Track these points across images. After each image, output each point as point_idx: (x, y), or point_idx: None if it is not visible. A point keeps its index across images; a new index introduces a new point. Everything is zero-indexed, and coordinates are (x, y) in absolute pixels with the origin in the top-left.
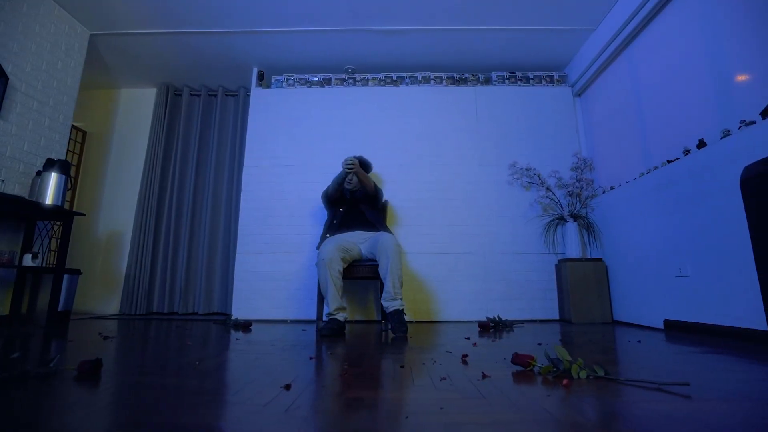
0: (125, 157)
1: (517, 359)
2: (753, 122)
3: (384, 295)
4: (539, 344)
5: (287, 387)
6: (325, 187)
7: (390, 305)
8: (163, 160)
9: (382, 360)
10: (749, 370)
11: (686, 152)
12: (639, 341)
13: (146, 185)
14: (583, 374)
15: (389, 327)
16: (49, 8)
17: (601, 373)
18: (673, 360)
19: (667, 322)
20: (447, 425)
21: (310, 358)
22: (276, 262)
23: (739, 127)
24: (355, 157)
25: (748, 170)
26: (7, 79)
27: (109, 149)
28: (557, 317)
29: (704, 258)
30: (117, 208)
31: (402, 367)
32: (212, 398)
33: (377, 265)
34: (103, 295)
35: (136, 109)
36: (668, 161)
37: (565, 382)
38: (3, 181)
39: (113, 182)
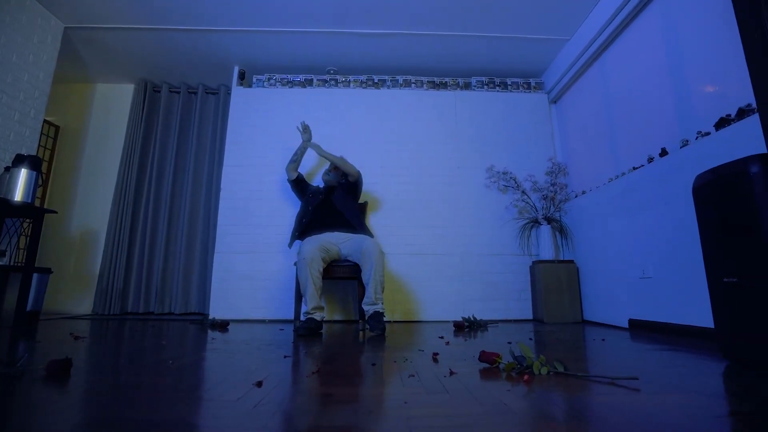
0: (100, 154)
1: (483, 357)
2: (708, 133)
3: (365, 299)
4: (509, 343)
5: (259, 384)
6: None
7: (370, 309)
8: (140, 158)
9: (355, 358)
10: (698, 366)
11: (650, 160)
12: (603, 340)
13: (122, 182)
14: (544, 370)
15: (367, 326)
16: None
17: (560, 369)
18: (631, 357)
19: (631, 322)
20: (409, 418)
21: (285, 357)
22: (255, 261)
23: (696, 138)
24: (327, 174)
25: (699, 178)
26: None
27: (83, 145)
28: (531, 317)
29: (665, 260)
30: (91, 206)
31: (374, 365)
32: (186, 395)
33: (356, 266)
34: (75, 294)
35: (112, 104)
36: (634, 168)
37: (525, 377)
38: None
39: (87, 179)
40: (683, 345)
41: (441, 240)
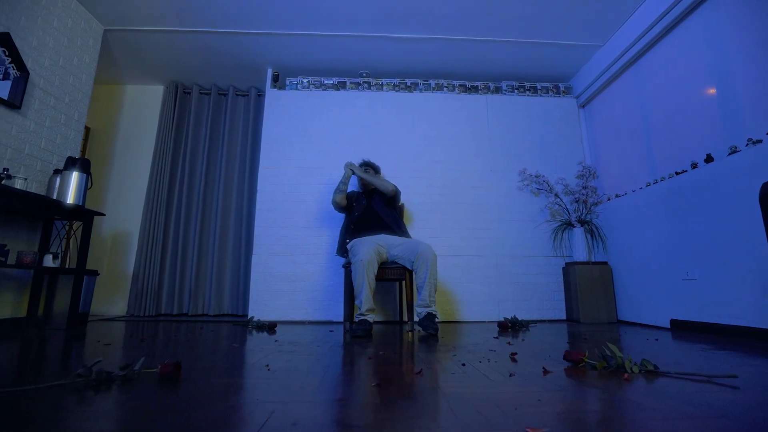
0: (131, 155)
1: (569, 356)
2: (760, 141)
3: (419, 301)
4: (569, 342)
5: (377, 385)
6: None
7: (424, 310)
8: (171, 159)
9: (441, 359)
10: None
11: (694, 165)
12: (657, 339)
13: (154, 184)
14: (635, 369)
15: (420, 326)
16: (66, 2)
17: (650, 367)
18: (699, 356)
19: (673, 322)
20: (560, 414)
21: (369, 358)
22: (292, 263)
23: (747, 145)
24: (360, 164)
25: (765, 187)
26: (27, 74)
27: (113, 146)
28: (564, 317)
29: (710, 262)
30: (122, 207)
31: (463, 365)
32: (323, 397)
33: (404, 268)
34: (109, 296)
35: (142, 106)
36: (676, 173)
37: (625, 376)
38: (26, 179)
39: (118, 180)
40: (731, 344)
41: (475, 242)
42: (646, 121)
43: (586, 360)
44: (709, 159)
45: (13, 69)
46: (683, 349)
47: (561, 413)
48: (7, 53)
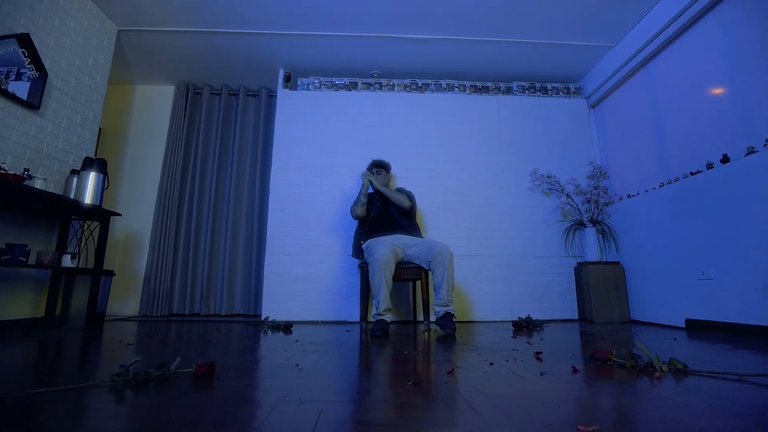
0: (142, 155)
1: (596, 354)
2: None
3: (437, 301)
4: (586, 342)
5: (415, 383)
6: (350, 196)
7: (442, 310)
8: (183, 159)
9: (467, 359)
10: None
11: (709, 166)
12: (675, 339)
13: (166, 184)
14: (665, 368)
15: (438, 326)
16: (82, 3)
17: (680, 366)
18: (721, 355)
19: (688, 321)
20: (604, 411)
21: (396, 358)
22: (305, 263)
23: (765, 145)
24: (371, 165)
25: None
26: (46, 75)
27: (124, 146)
28: (576, 317)
29: (727, 262)
30: (133, 207)
31: (491, 364)
32: (364, 396)
33: (420, 268)
34: (121, 296)
35: (153, 106)
36: (691, 173)
37: (657, 374)
38: (45, 179)
39: (130, 181)
40: (755, 344)
41: (487, 242)
42: (658, 121)
43: (614, 359)
44: (725, 159)
45: (32, 70)
46: (703, 348)
47: (605, 410)
48: (26, 54)
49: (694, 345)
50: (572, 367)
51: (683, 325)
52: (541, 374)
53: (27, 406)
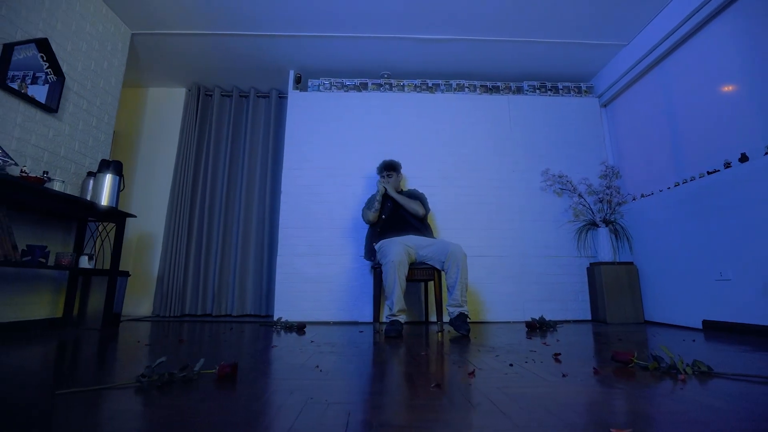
0: (154, 157)
1: (617, 356)
2: None
3: (450, 301)
4: (604, 344)
5: (438, 385)
6: (361, 196)
7: (456, 310)
8: (195, 161)
9: (488, 361)
10: None
11: (727, 165)
12: (693, 340)
13: (178, 186)
14: (689, 370)
15: (451, 326)
16: (97, 7)
17: (704, 368)
18: (742, 357)
19: (706, 322)
20: (636, 414)
21: (419, 356)
22: (318, 264)
23: None
24: (381, 165)
25: None
26: (63, 78)
27: (137, 149)
28: (590, 318)
29: (746, 263)
30: (146, 208)
31: (511, 365)
32: (389, 398)
33: (433, 269)
34: (134, 296)
35: (165, 108)
36: (708, 172)
37: (681, 377)
38: (63, 182)
39: (142, 182)
40: None
41: (498, 242)
42: (672, 120)
43: (635, 360)
44: (743, 158)
45: (50, 74)
46: (724, 350)
47: (634, 413)
48: (44, 58)
49: (714, 347)
50: (594, 368)
51: (700, 327)
52: (563, 376)
53: (58, 406)
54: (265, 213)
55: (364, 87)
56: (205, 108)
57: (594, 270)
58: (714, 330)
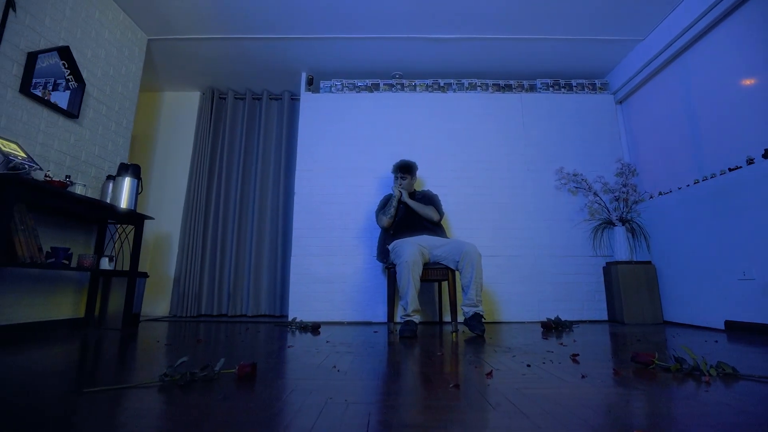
0: (169, 160)
1: (638, 357)
2: None
3: (465, 301)
4: (623, 344)
5: (456, 386)
6: (374, 197)
7: (470, 310)
8: (209, 164)
9: (504, 362)
10: None
11: (750, 161)
12: (716, 341)
13: (193, 188)
14: (713, 371)
15: (467, 326)
16: (115, 14)
17: (729, 370)
18: (766, 359)
19: (728, 323)
20: (662, 416)
21: (430, 359)
22: (331, 264)
23: None
24: (397, 165)
25: None
26: (84, 85)
27: (152, 152)
28: (606, 318)
29: None
30: (162, 210)
31: (528, 366)
32: (408, 398)
33: (447, 269)
34: (151, 297)
35: (179, 112)
36: (729, 169)
37: (706, 379)
38: (85, 186)
39: (158, 185)
40: None
41: (513, 242)
42: (691, 116)
43: (657, 362)
44: (767, 154)
45: (72, 80)
46: (748, 352)
47: (658, 415)
48: (66, 66)
49: (738, 348)
50: (614, 369)
51: (722, 327)
52: (583, 377)
53: (85, 404)
54: (279, 214)
55: (375, 87)
56: (218, 111)
57: (610, 269)
58: (737, 331)
